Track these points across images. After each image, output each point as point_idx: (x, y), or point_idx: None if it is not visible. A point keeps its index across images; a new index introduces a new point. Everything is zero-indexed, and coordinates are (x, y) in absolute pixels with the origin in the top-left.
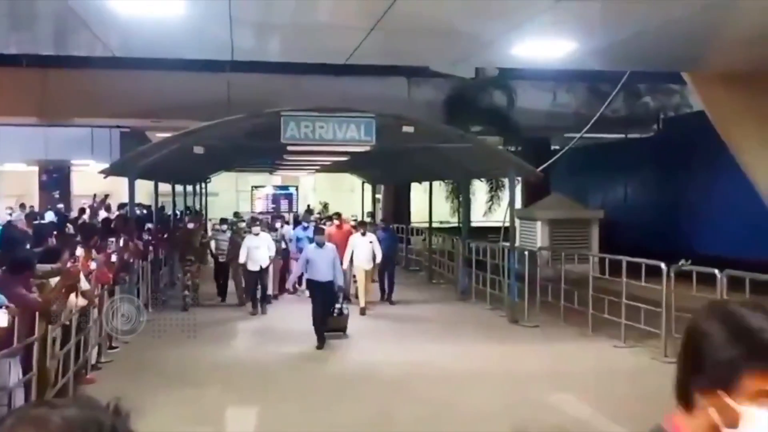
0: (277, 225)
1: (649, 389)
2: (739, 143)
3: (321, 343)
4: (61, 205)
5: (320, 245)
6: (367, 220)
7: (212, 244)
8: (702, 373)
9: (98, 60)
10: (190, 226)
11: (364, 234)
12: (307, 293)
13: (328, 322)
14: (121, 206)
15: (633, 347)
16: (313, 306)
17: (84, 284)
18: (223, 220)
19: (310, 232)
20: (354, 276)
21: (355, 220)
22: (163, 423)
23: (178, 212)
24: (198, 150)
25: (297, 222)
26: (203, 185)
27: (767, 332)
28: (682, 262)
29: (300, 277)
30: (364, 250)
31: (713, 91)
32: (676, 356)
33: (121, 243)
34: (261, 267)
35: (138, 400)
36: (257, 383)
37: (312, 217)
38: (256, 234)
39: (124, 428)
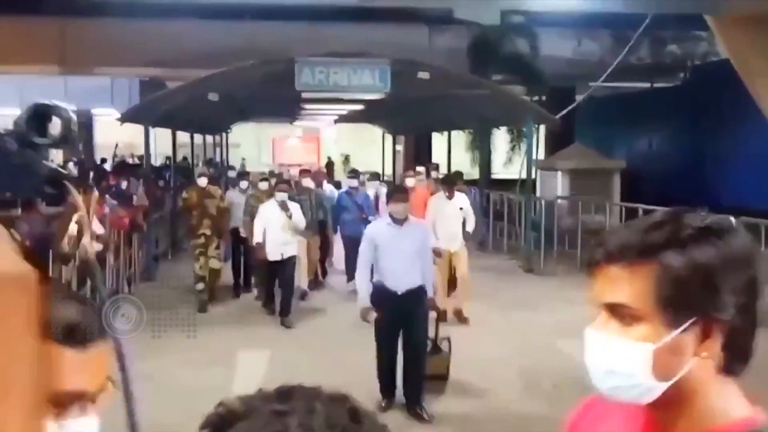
0: (306, 183)
1: None
2: (761, 89)
3: (388, 403)
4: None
5: (398, 221)
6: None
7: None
8: None
9: (117, 9)
10: (201, 182)
11: (450, 196)
12: (360, 299)
13: (419, 364)
14: (140, 158)
15: None
16: (379, 335)
17: (98, 228)
18: (241, 175)
19: (361, 198)
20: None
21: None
22: (175, 364)
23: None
24: (213, 97)
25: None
26: (224, 136)
27: None
28: (699, 210)
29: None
30: (452, 220)
31: (736, 36)
32: None
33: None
34: (282, 256)
35: (151, 342)
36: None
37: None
38: (281, 202)
39: None
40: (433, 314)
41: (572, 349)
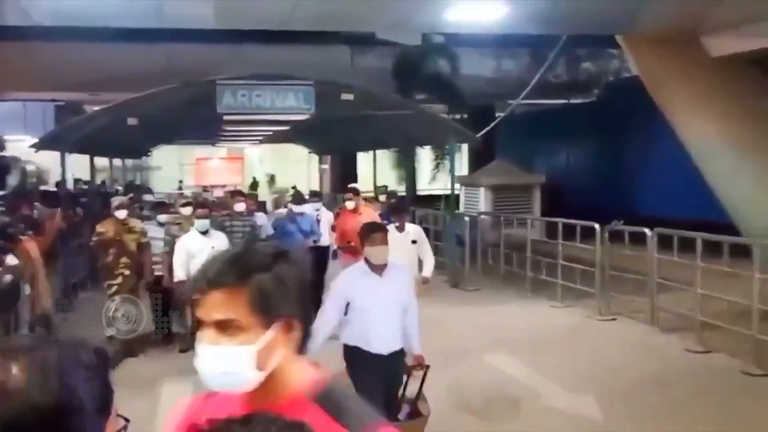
0: (240, 207)
1: (581, 346)
2: (668, 104)
3: None
4: None
5: (377, 268)
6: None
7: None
8: None
9: (30, 32)
10: (120, 215)
11: (401, 228)
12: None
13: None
14: (58, 184)
15: (569, 306)
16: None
17: (11, 260)
18: (159, 204)
19: (306, 223)
20: None
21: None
22: None
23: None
24: (132, 121)
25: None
26: (145, 159)
27: None
28: (615, 222)
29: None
30: (402, 255)
31: (645, 54)
32: (609, 314)
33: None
34: None
35: None
36: None
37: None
38: (204, 232)
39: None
40: (419, 372)
41: (499, 362)
